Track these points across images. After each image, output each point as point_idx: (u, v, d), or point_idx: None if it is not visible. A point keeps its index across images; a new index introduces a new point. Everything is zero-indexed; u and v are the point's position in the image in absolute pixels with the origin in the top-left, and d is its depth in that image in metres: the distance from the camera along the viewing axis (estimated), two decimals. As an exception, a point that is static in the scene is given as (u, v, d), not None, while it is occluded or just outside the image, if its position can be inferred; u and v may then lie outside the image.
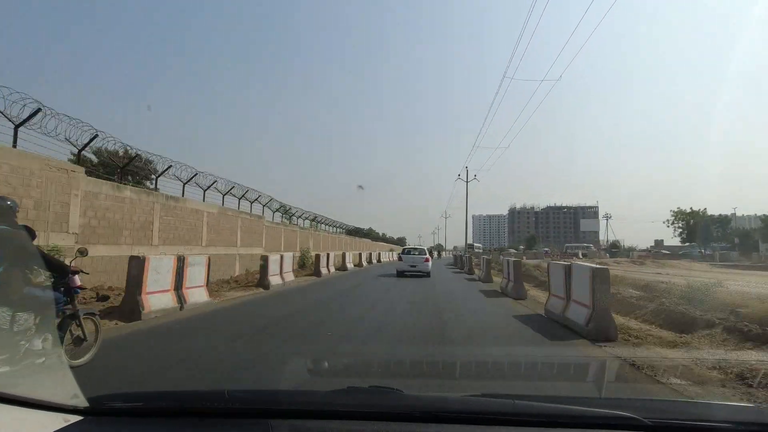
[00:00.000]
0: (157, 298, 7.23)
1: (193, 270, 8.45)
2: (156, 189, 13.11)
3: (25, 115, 8.49)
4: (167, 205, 12.99)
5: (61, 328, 4.05)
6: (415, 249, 21.36)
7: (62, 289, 4.13)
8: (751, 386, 3.82)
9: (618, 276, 14.89)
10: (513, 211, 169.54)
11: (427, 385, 3.63)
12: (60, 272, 4.09)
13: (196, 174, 14.18)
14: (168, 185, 15.73)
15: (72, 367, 3.92)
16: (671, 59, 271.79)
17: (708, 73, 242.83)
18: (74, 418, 1.29)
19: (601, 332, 5.98)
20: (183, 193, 14.52)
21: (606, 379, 3.99)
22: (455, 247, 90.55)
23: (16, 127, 8.52)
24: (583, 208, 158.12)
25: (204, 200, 15.68)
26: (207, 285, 9.18)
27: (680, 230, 65.68)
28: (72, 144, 9.53)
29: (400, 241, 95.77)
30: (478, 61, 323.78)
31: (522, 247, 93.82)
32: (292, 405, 1.43)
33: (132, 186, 11.82)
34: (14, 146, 8.54)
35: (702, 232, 62.24)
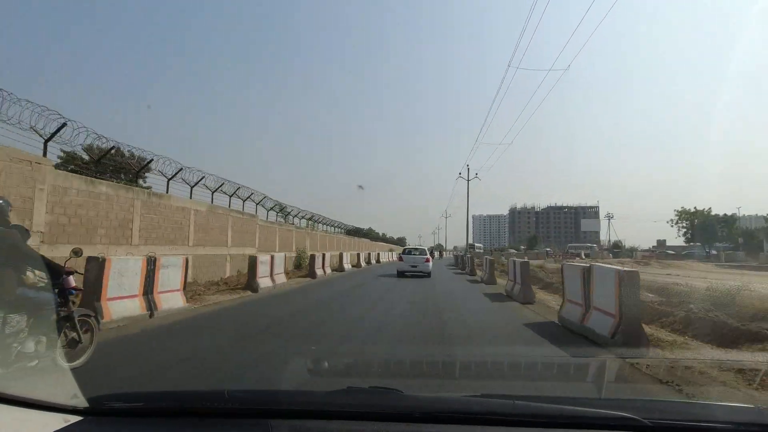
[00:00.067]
0: (121, 304, 6.38)
1: (167, 272, 7.59)
2: (137, 184, 12.21)
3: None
4: (149, 202, 12.13)
5: (55, 330, 3.96)
6: (416, 249, 21.21)
7: (56, 290, 4.06)
8: None
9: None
10: (513, 211, 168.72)
11: (427, 386, 3.62)
12: (53, 273, 4.02)
13: (181, 169, 13.32)
14: (157, 182, 14.94)
15: (66, 370, 3.86)
16: (671, 59, 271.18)
17: (708, 72, 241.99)
18: (74, 419, 1.29)
19: (630, 346, 5.12)
20: (167, 189, 13.66)
21: (606, 380, 3.94)
22: (455, 247, 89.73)
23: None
24: (583, 208, 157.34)
25: (191, 197, 14.81)
26: (184, 289, 8.33)
27: (684, 230, 64.78)
28: (38, 133, 8.67)
29: (400, 241, 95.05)
30: (478, 60, 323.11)
31: (523, 247, 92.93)
32: (291, 405, 1.43)
33: (109, 181, 10.94)
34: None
35: (707, 232, 61.27)
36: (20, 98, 8.16)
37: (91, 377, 3.88)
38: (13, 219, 7.78)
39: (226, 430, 1.30)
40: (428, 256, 19.98)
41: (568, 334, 6.60)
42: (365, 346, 5.50)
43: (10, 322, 3.55)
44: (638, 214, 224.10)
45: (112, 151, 10.75)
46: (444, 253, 73.85)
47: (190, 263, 14.24)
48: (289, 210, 26.75)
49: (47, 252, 7.43)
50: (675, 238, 68.88)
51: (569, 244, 76.31)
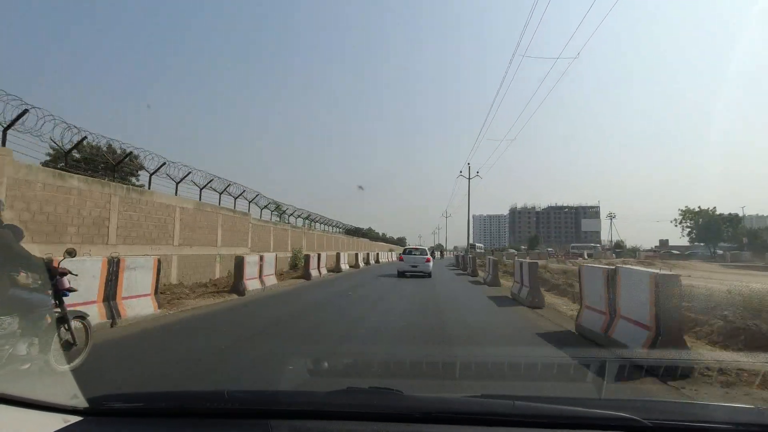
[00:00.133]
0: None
1: (135, 275, 6.74)
2: (126, 181, 11.34)
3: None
4: (129, 198, 11.27)
5: (49, 332, 3.87)
6: (417, 249, 21.14)
7: (50, 291, 3.99)
8: None
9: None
10: (514, 211, 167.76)
11: (427, 386, 3.63)
12: (45, 273, 3.94)
13: (165, 164, 12.45)
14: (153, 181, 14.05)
15: (59, 373, 3.78)
16: (672, 58, 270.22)
17: (709, 72, 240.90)
18: (74, 419, 1.29)
19: (672, 367, 4.26)
20: (149, 185, 12.79)
21: (606, 380, 3.88)
22: (455, 247, 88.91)
23: None
24: (584, 208, 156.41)
25: (177, 194, 13.95)
26: (156, 293, 7.46)
27: (689, 230, 63.78)
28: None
29: (400, 241, 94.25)
30: (478, 60, 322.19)
31: (524, 247, 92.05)
32: (291, 405, 1.42)
33: (81, 175, 10.07)
34: None
35: (711, 231, 60.30)
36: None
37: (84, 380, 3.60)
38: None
39: (226, 430, 1.31)
40: (429, 256, 19.91)
41: (589, 344, 5.74)
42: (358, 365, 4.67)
43: (1, 324, 3.49)
44: (638, 214, 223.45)
45: (84, 142, 9.81)
46: (445, 253, 73.04)
47: (175, 264, 13.44)
48: (284, 208, 25.88)
49: None
50: (679, 237, 67.99)
51: (572, 244, 75.32)
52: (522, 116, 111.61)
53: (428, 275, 18.45)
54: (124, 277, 6.47)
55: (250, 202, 19.70)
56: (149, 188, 12.75)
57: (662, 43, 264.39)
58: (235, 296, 10.53)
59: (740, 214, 64.83)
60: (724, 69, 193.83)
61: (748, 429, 1.25)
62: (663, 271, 4.65)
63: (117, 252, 10.16)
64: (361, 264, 29.22)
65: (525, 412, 1.32)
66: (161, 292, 10.97)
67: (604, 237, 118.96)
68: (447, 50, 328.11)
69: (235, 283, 10.90)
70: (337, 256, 22.99)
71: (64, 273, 4.20)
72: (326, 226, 36.22)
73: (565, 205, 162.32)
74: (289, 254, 23.95)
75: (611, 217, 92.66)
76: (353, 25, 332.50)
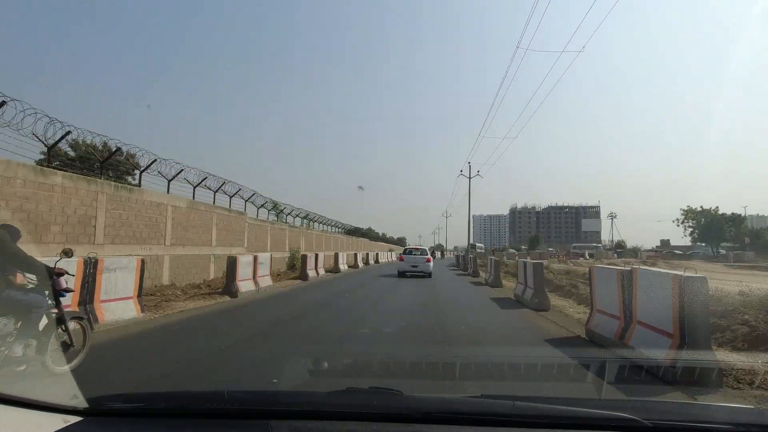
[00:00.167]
0: (44, 318, 5.08)
1: (115, 277, 6.31)
2: (102, 176, 10.92)
3: None
4: (117, 196, 10.84)
5: (46, 333, 3.82)
6: (417, 249, 21.22)
7: (47, 292, 3.95)
8: None
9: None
10: (514, 211, 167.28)
11: (427, 386, 3.64)
12: (42, 274, 3.90)
13: (155, 160, 12.01)
14: (148, 181, 13.64)
15: (56, 374, 3.74)
16: (672, 59, 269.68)
17: (709, 72, 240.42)
18: (74, 419, 1.29)
19: (701, 382, 3.83)
20: (140, 182, 12.36)
21: (606, 380, 3.82)
22: (456, 247, 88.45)
23: None
24: (584, 207, 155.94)
25: (169, 192, 13.52)
26: (140, 295, 7.03)
27: (691, 229, 63.22)
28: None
29: (400, 241, 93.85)
30: (479, 60, 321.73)
31: (524, 247, 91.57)
32: (291, 405, 1.42)
33: (66, 171, 9.64)
34: None
35: (714, 231, 59.74)
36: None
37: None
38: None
39: (226, 430, 1.30)
40: (429, 256, 19.99)
41: (603, 353, 5.31)
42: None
43: None
44: (638, 214, 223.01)
45: (80, 141, 9.37)
46: (446, 253, 72.61)
47: (166, 264, 13.01)
48: (282, 207, 25.44)
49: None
50: (681, 237, 67.37)
51: (573, 244, 74.78)
52: (523, 115, 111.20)
53: (428, 275, 18.52)
54: (102, 279, 6.04)
55: (246, 200, 19.27)
56: (140, 186, 12.32)
57: (662, 44, 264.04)
58: (227, 298, 10.10)
59: (742, 214, 64.29)
60: (723, 69, 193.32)
61: (748, 429, 1.24)
62: (688, 274, 4.21)
63: (96, 253, 9.75)
64: (360, 264, 28.80)
65: (525, 412, 1.31)
66: (151, 294, 10.59)
67: (605, 237, 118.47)
68: (447, 50, 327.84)
69: (227, 284, 10.47)
70: (336, 256, 22.56)
71: (61, 273, 4.15)
72: (325, 226, 35.78)
73: (565, 205, 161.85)
74: (287, 254, 23.53)
75: (612, 217, 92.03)
76: (353, 25, 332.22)
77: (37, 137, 8.65)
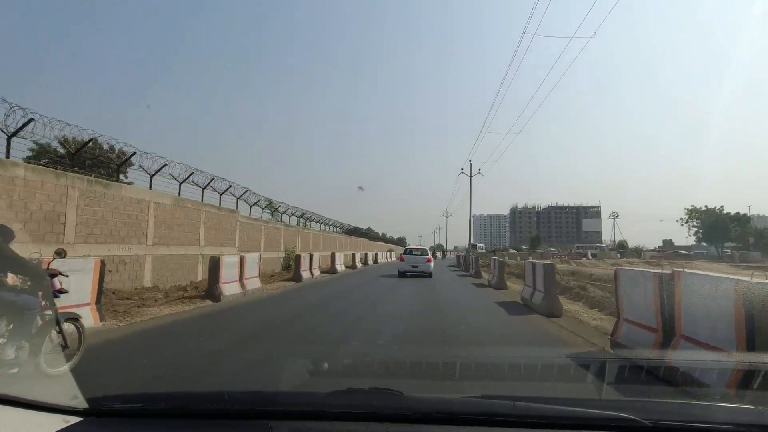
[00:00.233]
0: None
1: (66, 281, 5.43)
2: (73, 170, 10.05)
3: None
4: (90, 191, 9.98)
5: (39, 335, 3.76)
6: (418, 249, 21.17)
7: (40, 293, 3.88)
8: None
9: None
10: (514, 211, 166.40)
11: (427, 387, 3.63)
12: (34, 275, 3.85)
13: (134, 153, 11.15)
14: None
15: (51, 376, 3.69)
16: (671, 59, 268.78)
17: (708, 72, 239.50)
18: (74, 419, 1.29)
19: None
20: (117, 177, 11.51)
21: (606, 381, 3.72)
22: (456, 248, 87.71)
23: None
24: (585, 207, 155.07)
25: (151, 188, 12.66)
26: (98, 302, 6.17)
27: (695, 229, 62.25)
28: None
29: (400, 241, 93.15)
30: (478, 59, 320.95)
31: (525, 247, 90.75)
32: (291, 406, 1.42)
33: (29, 163, 8.79)
34: None
35: (719, 231, 58.75)
36: None
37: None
38: None
39: (226, 430, 1.30)
40: (429, 256, 19.99)
41: (638, 372, 4.45)
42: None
43: None
44: (638, 214, 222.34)
45: (30, 126, 8.51)
46: (447, 253, 71.80)
47: (148, 265, 12.15)
48: (277, 206, 24.58)
49: None
50: (686, 238, 66.45)
51: (576, 244, 73.98)
52: (527, 110, 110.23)
53: (429, 275, 18.57)
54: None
55: (238, 198, 18.41)
56: (117, 180, 11.47)
57: (662, 44, 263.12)
58: (209, 302, 9.24)
59: (747, 214, 63.26)
60: (723, 69, 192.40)
61: (748, 430, 1.23)
62: (756, 279, 3.36)
63: (40, 252, 8.89)
64: (359, 265, 27.95)
65: (525, 412, 1.31)
66: (127, 297, 9.75)
67: (605, 237, 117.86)
68: (446, 49, 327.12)
69: (210, 287, 9.61)
70: (332, 256, 21.70)
71: (55, 274, 4.09)
72: (323, 226, 34.92)
73: (565, 204, 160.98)
74: (282, 254, 22.69)
75: (614, 216, 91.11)
76: (352, 24, 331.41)
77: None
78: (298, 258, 16.04)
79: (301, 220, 29.10)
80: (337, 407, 1.37)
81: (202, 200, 15.51)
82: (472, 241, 42.48)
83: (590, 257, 49.11)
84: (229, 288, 9.94)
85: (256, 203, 20.50)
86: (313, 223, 32.32)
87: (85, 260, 6.36)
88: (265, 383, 3.90)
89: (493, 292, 13.67)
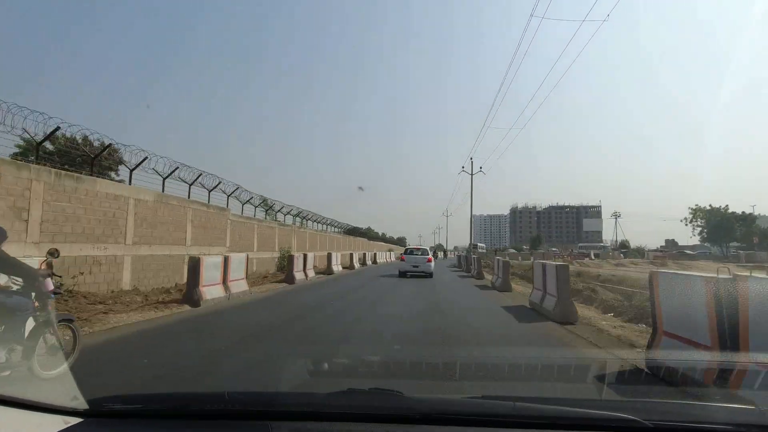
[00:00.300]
0: None
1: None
2: (37, 162, 9.19)
3: None
4: (59, 185, 9.13)
5: (32, 337, 3.70)
6: (418, 249, 21.18)
7: (33, 294, 3.82)
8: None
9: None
10: (515, 211, 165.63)
11: (428, 387, 3.63)
12: (27, 276, 3.79)
13: (109, 145, 10.29)
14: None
15: (44, 379, 3.63)
16: (671, 59, 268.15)
17: (708, 72, 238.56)
18: (74, 420, 1.28)
19: None
20: (92, 169, 10.64)
21: (607, 381, 3.76)
22: (456, 248, 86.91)
23: None
24: (585, 207, 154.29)
25: (131, 183, 11.81)
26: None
27: (700, 228, 61.24)
28: None
29: (400, 241, 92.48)
30: (478, 59, 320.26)
31: (526, 247, 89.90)
32: (291, 406, 1.42)
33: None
34: None
35: (724, 230, 57.76)
36: None
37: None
38: None
39: (226, 431, 1.30)
40: (430, 256, 19.99)
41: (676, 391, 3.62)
42: None
43: None
44: (639, 213, 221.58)
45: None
46: (448, 253, 71.08)
47: (128, 266, 11.29)
48: (271, 203, 23.71)
49: None
50: (690, 237, 65.37)
51: (580, 244, 73.10)
52: (530, 106, 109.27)
53: (430, 275, 18.66)
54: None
55: (229, 195, 17.55)
56: (92, 173, 10.61)
57: (662, 43, 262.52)
58: (186, 307, 8.39)
59: (753, 213, 62.30)
60: (723, 69, 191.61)
61: (749, 430, 1.23)
62: None
63: (40, 251, 8.04)
64: (357, 265, 27.09)
65: (525, 413, 1.31)
66: (100, 302, 8.88)
67: (606, 237, 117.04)
68: (446, 49, 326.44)
69: (188, 290, 8.76)
70: (328, 256, 20.86)
71: (48, 275, 4.01)
72: (320, 225, 34.06)
73: (566, 204, 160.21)
74: (277, 255, 21.83)
75: (616, 216, 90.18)
76: (352, 25, 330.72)
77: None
78: (290, 258, 15.20)
79: (297, 219, 28.23)
80: (337, 408, 1.37)
81: (188, 197, 14.66)
82: (472, 241, 41.62)
83: (593, 257, 48.24)
84: (211, 291, 9.09)
85: (248, 201, 19.63)
86: (310, 223, 31.47)
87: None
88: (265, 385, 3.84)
89: (498, 294, 12.84)
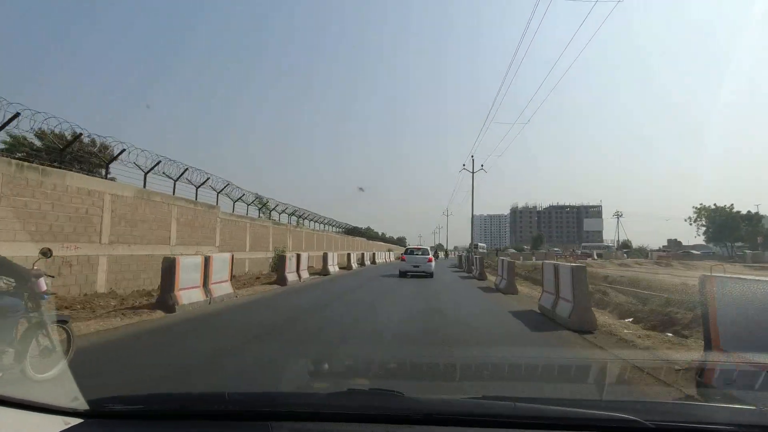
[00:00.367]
0: None
1: None
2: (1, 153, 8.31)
3: None
4: (20, 178, 8.27)
5: (24, 339, 3.62)
6: (419, 249, 21.13)
7: (26, 295, 3.73)
8: None
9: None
10: (515, 211, 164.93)
11: (428, 388, 3.63)
12: (19, 276, 3.71)
13: (80, 135, 9.43)
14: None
15: (37, 382, 3.54)
16: (671, 58, 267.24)
17: (708, 72, 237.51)
18: (75, 421, 1.28)
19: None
20: (61, 162, 9.78)
21: (607, 381, 3.78)
22: (456, 248, 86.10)
23: None
24: (586, 207, 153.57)
25: (107, 177, 10.94)
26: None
27: (704, 228, 60.15)
28: None
29: (400, 241, 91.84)
30: (477, 59, 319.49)
31: (526, 247, 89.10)
32: (292, 407, 1.40)
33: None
34: None
35: (729, 229, 56.71)
36: None
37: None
38: None
39: (227, 431, 1.30)
40: (430, 256, 19.95)
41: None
42: None
43: None
44: (639, 213, 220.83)
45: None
46: (449, 253, 70.40)
47: (103, 267, 10.38)
48: (265, 201, 22.85)
49: None
50: (694, 237, 64.25)
51: (583, 244, 72.19)
52: (532, 102, 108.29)
53: (430, 275, 18.69)
54: None
55: (218, 192, 16.70)
56: (61, 166, 9.74)
57: (662, 43, 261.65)
58: (159, 314, 7.51)
59: (759, 213, 61.26)
60: (723, 69, 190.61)
61: (750, 430, 1.23)
62: None
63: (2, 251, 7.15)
64: (355, 265, 26.23)
65: (526, 413, 1.31)
66: (66, 306, 8.01)
67: (607, 236, 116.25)
68: (446, 49, 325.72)
69: (162, 295, 7.87)
70: (324, 256, 20.02)
71: (40, 275, 3.89)
72: (318, 224, 33.21)
73: (566, 204, 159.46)
74: (271, 254, 20.98)
75: (618, 216, 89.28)
76: (351, 25, 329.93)
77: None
78: (282, 258, 14.33)
79: (294, 217, 27.37)
80: (337, 408, 1.37)
81: (173, 193, 13.80)
82: (473, 241, 40.78)
83: (596, 257, 47.41)
84: (189, 295, 8.22)
85: (240, 198, 18.76)
86: (307, 222, 30.63)
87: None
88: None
89: (503, 297, 11.99)
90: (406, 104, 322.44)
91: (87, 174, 11.01)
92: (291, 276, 14.33)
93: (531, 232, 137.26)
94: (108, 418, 1.34)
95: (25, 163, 8.56)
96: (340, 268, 22.99)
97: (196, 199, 15.21)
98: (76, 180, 9.61)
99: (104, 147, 13.47)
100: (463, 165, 35.81)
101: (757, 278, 3.57)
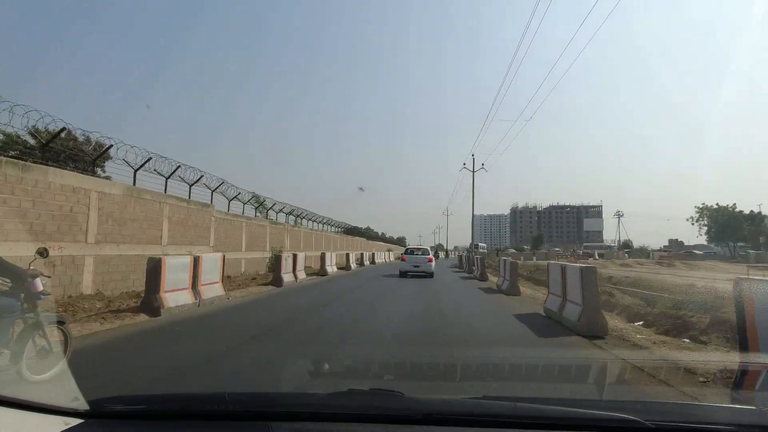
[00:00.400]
0: None
1: None
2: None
3: None
4: (1, 174, 7.85)
5: (20, 340, 3.59)
6: (419, 249, 21.08)
7: (22, 295, 3.70)
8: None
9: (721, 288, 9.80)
10: (515, 211, 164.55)
11: (428, 388, 3.60)
12: (14, 276, 3.67)
13: (63, 129, 8.99)
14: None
15: (33, 383, 3.51)
16: (671, 58, 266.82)
17: (708, 72, 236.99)
18: (75, 421, 1.28)
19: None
20: (47, 158, 9.35)
21: (607, 381, 3.80)
22: (456, 248, 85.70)
23: None
24: (586, 207, 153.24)
25: (94, 174, 10.51)
26: None
27: (707, 227, 59.66)
28: None
29: (400, 241, 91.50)
30: (477, 59, 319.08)
31: (526, 247, 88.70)
32: (292, 407, 1.42)
33: None
34: None
35: (732, 229, 56.22)
36: None
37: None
38: None
39: None
40: (431, 256, 19.89)
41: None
42: None
43: None
44: (639, 213, 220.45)
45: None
46: (450, 253, 70.09)
47: (90, 267, 9.94)
48: (262, 200, 22.42)
49: None
50: (696, 237, 63.79)
51: (585, 244, 71.74)
52: (533, 101, 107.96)
53: (430, 275, 18.67)
54: None
55: (213, 191, 16.28)
56: (41, 161, 9.31)
57: (662, 43, 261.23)
58: (144, 317, 7.09)
59: (761, 212, 60.79)
60: (723, 68, 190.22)
61: (750, 430, 1.22)
62: None
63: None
64: (353, 265, 25.81)
65: (526, 413, 1.31)
66: (46, 310, 7.68)
67: (607, 236, 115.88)
68: (446, 48, 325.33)
69: (147, 297, 7.45)
70: (322, 256, 19.60)
71: (37, 275, 3.84)
72: (317, 224, 32.78)
73: (566, 204, 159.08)
74: (268, 254, 20.56)
75: (619, 215, 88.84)
76: (351, 25, 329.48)
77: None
78: (278, 259, 13.91)
79: (291, 217, 26.95)
80: (337, 408, 1.37)
81: (165, 191, 13.37)
82: (473, 241, 40.37)
83: (597, 257, 47.02)
84: (176, 297, 7.79)
85: (236, 197, 18.33)
86: (305, 221, 30.20)
87: None
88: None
89: (506, 299, 11.57)
90: (406, 104, 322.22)
91: (80, 172, 10.62)
92: (287, 276, 13.91)
93: (531, 232, 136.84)
94: (108, 418, 1.35)
95: (3, 158, 8.14)
96: (338, 268, 22.59)
97: (190, 197, 14.78)
98: (59, 176, 9.19)
99: (99, 145, 13.12)
100: (464, 164, 35.42)
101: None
